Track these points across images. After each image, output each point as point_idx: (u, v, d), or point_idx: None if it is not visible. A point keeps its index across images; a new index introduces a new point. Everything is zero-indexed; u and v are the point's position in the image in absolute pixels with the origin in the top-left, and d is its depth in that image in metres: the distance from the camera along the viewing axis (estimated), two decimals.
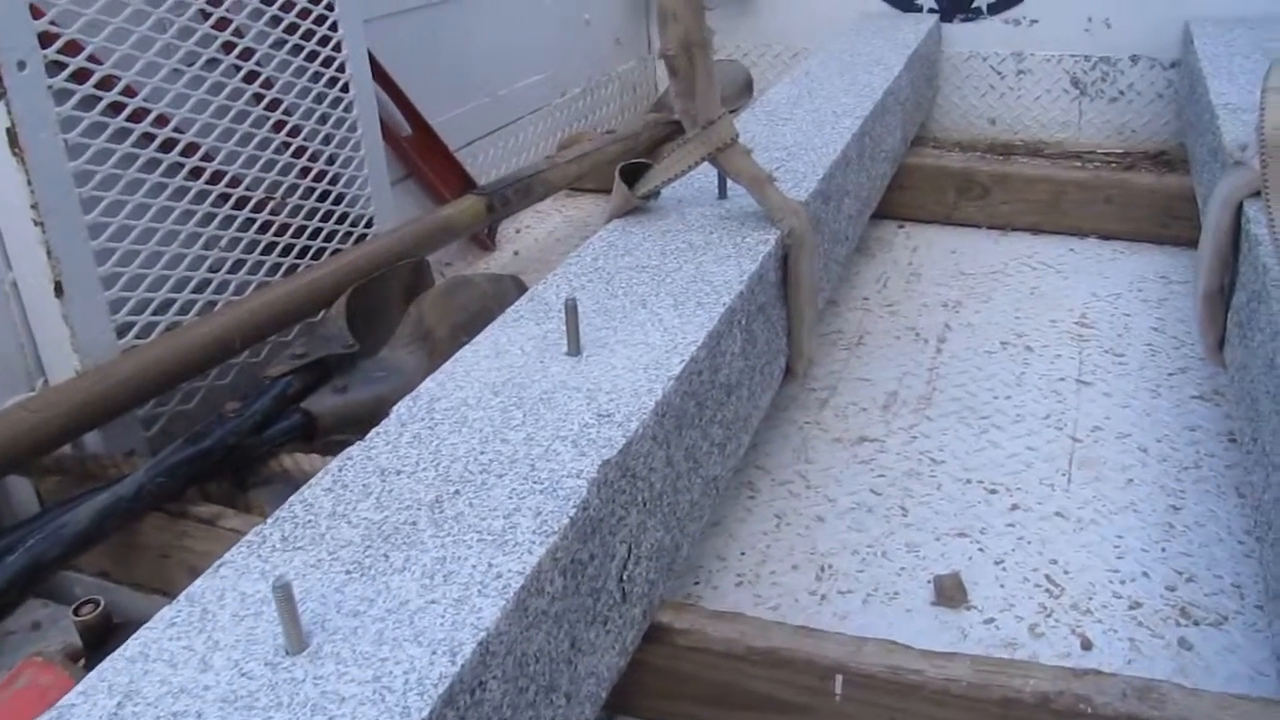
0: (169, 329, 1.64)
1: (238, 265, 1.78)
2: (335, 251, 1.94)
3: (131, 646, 0.80)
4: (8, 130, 1.39)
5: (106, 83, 1.52)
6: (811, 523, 1.53)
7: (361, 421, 1.57)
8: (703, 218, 1.60)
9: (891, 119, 2.34)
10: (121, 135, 1.55)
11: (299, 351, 1.67)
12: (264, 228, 1.82)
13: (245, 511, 1.48)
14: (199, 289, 1.70)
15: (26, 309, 1.52)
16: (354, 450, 1.06)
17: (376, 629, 0.80)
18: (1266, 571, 1.19)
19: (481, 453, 1.02)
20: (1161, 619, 1.32)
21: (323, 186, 1.94)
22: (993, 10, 3.02)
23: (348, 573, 0.87)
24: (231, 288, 1.76)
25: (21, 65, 1.38)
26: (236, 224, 1.77)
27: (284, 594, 0.77)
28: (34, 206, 1.43)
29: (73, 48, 1.46)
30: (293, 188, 1.88)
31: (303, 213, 1.89)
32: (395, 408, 1.13)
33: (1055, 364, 1.92)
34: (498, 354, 1.21)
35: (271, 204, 1.84)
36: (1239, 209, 1.59)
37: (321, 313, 1.76)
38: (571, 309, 1.18)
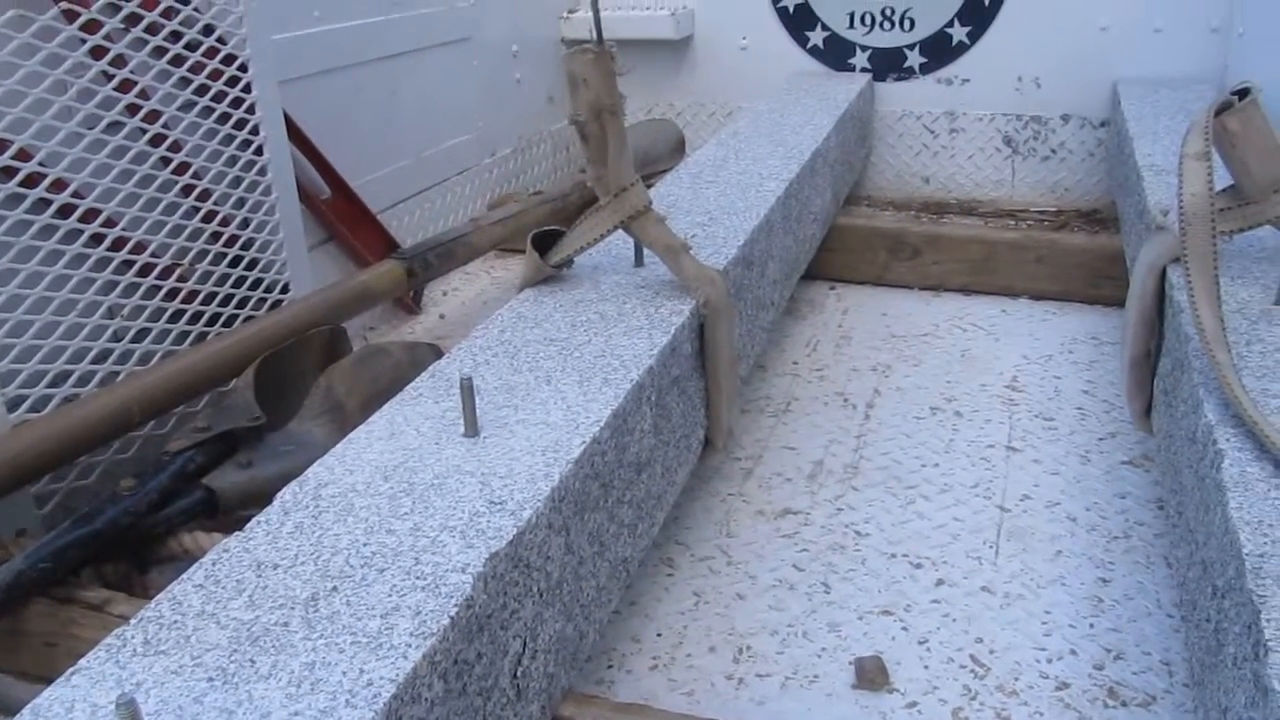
0: (67, 400, 1.57)
1: (142, 334, 1.71)
2: (248, 319, 1.87)
3: None
4: None
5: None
6: (731, 601, 1.48)
7: (266, 497, 1.51)
8: (617, 286, 1.55)
9: (820, 180, 2.32)
10: (14, 200, 1.49)
11: (202, 425, 1.60)
12: (171, 295, 1.76)
13: (144, 594, 1.40)
14: (99, 359, 1.64)
15: None
16: (231, 542, 1.00)
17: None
18: (1191, 653, 1.15)
19: (365, 544, 0.97)
20: (1089, 699, 1.28)
21: (234, 252, 1.88)
22: (925, 70, 3.02)
23: (210, 680, 0.81)
24: (136, 358, 1.69)
25: None
26: (141, 291, 1.71)
27: (129, 714, 0.71)
28: None
29: None
30: (202, 253, 1.83)
31: (213, 279, 1.83)
32: (280, 494, 1.07)
33: (985, 430, 1.89)
34: (392, 435, 1.16)
35: (179, 270, 1.78)
36: (1162, 274, 1.57)
37: (232, 382, 1.70)
38: (467, 389, 1.13)
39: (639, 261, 1.62)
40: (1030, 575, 1.50)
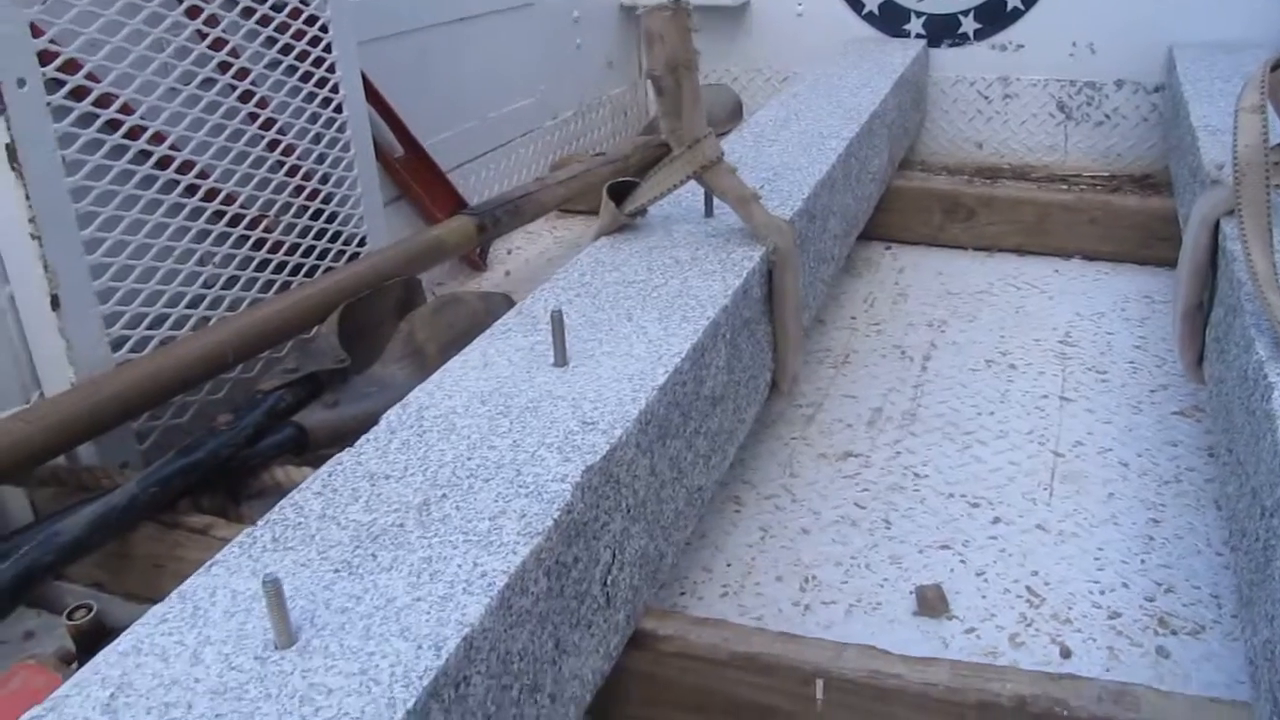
0: (163, 343, 1.66)
1: (231, 282, 1.80)
2: (327, 270, 1.96)
3: (124, 641, 0.82)
4: (7, 146, 1.42)
5: (104, 100, 1.55)
6: (796, 535, 1.55)
7: (353, 435, 1.59)
8: (689, 235, 1.62)
9: (878, 141, 2.38)
10: (118, 152, 1.58)
11: (291, 366, 1.69)
12: (258, 245, 1.84)
13: (238, 522, 1.49)
14: (193, 304, 1.73)
15: (23, 322, 1.54)
16: (344, 456, 1.08)
17: (364, 625, 0.82)
18: (1240, 579, 1.21)
19: (469, 459, 1.04)
20: (1140, 628, 1.34)
21: (316, 205, 1.97)
22: (979, 36, 3.06)
23: (336, 571, 0.89)
24: (225, 304, 1.78)
25: (21, 83, 1.41)
26: (230, 241, 1.80)
27: (273, 590, 0.79)
28: (32, 220, 1.45)
29: (71, 65, 1.49)
30: (286, 206, 1.91)
31: (296, 231, 1.92)
32: (385, 416, 1.15)
33: (1038, 381, 1.94)
34: (485, 365, 1.24)
35: (265, 222, 1.86)
36: (1216, 227, 1.61)
37: (314, 329, 1.79)
38: (557, 320, 1.21)
39: (709, 212, 1.69)
40: (1083, 515, 1.56)
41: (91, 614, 1.19)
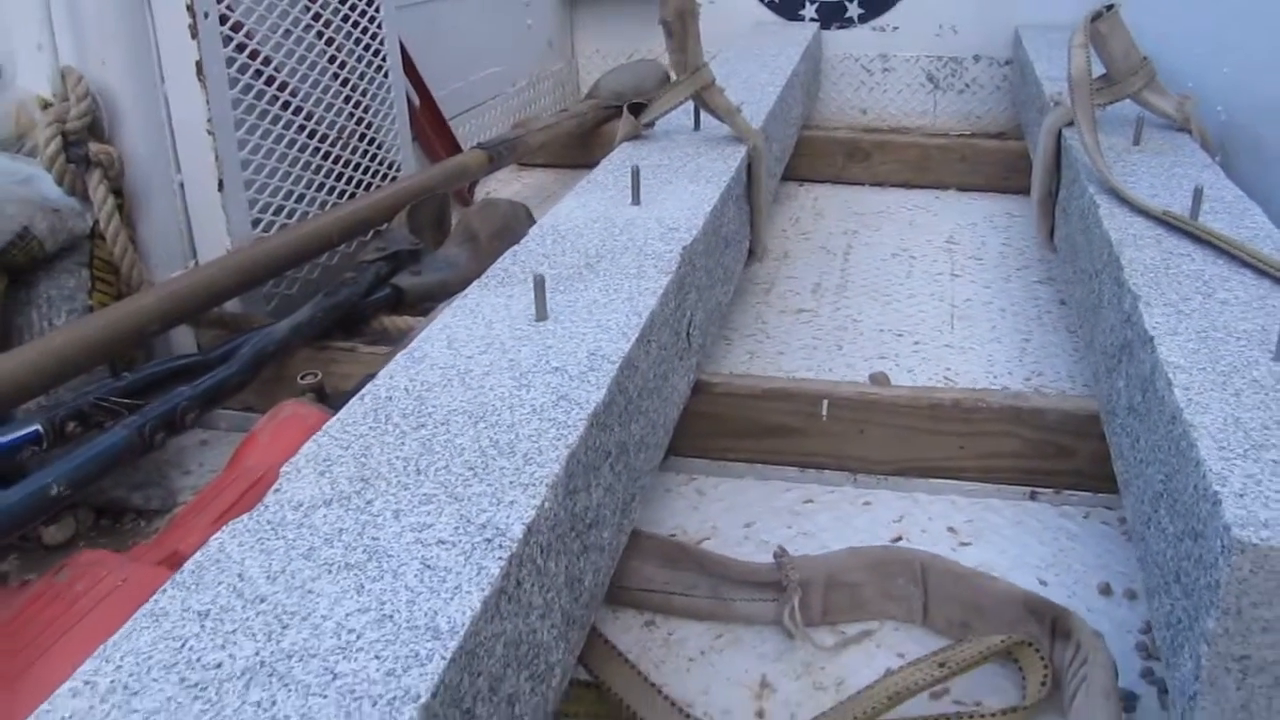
0: (283, 227, 2.14)
1: (319, 187, 2.29)
2: (374, 186, 2.46)
3: (436, 323, 1.34)
4: (196, 62, 1.90)
5: (244, 40, 2.04)
6: (775, 356, 2.12)
7: (433, 297, 2.13)
8: (687, 141, 2.19)
9: (795, 94, 2.98)
10: (255, 75, 2.07)
11: (380, 245, 2.20)
12: (335, 161, 2.34)
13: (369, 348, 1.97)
14: (298, 200, 2.21)
15: (189, 204, 2.01)
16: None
17: (584, 314, 1.35)
18: (1089, 354, 1.81)
19: (615, 239, 1.59)
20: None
21: (369, 136, 2.47)
22: (863, 20, 3.71)
23: (557, 284, 1.41)
24: (317, 204, 2.27)
25: (206, 15, 1.90)
26: (319, 156, 2.29)
27: (540, 282, 1.32)
28: (209, 120, 1.93)
29: (228, 7, 1.98)
30: (352, 133, 2.41)
31: (358, 154, 2.41)
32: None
33: (933, 265, 2.56)
34: (582, 205, 1.78)
35: (340, 146, 2.36)
36: (1059, 135, 2.25)
37: (386, 224, 2.29)
38: (635, 173, 1.76)
39: (697, 126, 2.26)
40: (976, 338, 2.17)
41: (318, 377, 1.68)
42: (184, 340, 2.00)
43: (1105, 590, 1.44)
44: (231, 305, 2.02)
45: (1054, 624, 1.26)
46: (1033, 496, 1.64)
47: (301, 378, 1.69)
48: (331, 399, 1.69)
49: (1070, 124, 2.18)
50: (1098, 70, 2.17)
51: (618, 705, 1.19)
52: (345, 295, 1.97)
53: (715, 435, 1.74)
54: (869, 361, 2.08)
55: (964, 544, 1.54)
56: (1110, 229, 1.66)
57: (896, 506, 1.63)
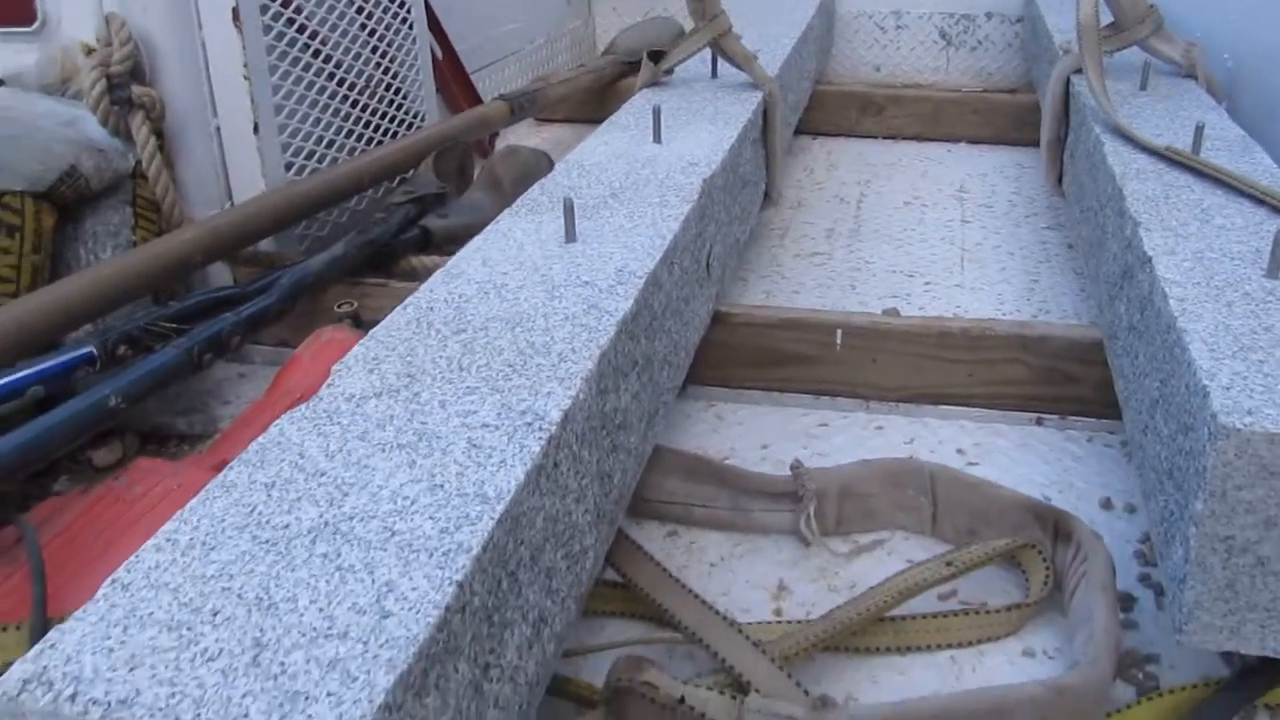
0: (313, 171, 2.22)
1: (349, 134, 2.36)
2: (399, 135, 2.53)
3: (470, 248, 1.41)
4: (233, 9, 1.97)
5: None
6: (790, 295, 2.19)
7: (458, 239, 2.19)
8: (705, 87, 2.25)
9: (810, 48, 3.04)
10: (288, 24, 2.13)
11: (408, 189, 2.27)
12: (363, 110, 2.41)
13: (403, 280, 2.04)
14: (328, 146, 2.29)
15: (225, 147, 2.08)
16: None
17: (611, 237, 1.43)
18: (1093, 283, 1.87)
19: (638, 173, 1.66)
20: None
21: (395, 84, 2.53)
22: None
23: (583, 213, 1.48)
24: (346, 150, 2.34)
25: None
26: (348, 104, 2.36)
27: (569, 206, 1.40)
28: (245, 65, 2.00)
29: None
30: (378, 83, 2.47)
31: (384, 103, 2.48)
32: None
33: (944, 212, 2.62)
34: (605, 144, 1.85)
35: (367, 93, 2.43)
36: (1067, 82, 2.30)
37: (412, 170, 2.36)
38: (656, 112, 1.83)
39: (714, 74, 2.32)
40: (986, 279, 2.24)
41: (354, 305, 1.76)
42: (221, 278, 2.07)
43: (1106, 505, 1.51)
44: (266, 244, 2.09)
45: (1056, 527, 1.33)
46: (1039, 422, 1.71)
47: (339, 306, 1.77)
48: (367, 328, 1.76)
49: (1079, 71, 2.23)
50: (1106, 19, 2.23)
51: (645, 601, 1.26)
52: (377, 233, 2.04)
53: (734, 364, 1.81)
54: (881, 300, 2.14)
55: (971, 464, 1.61)
56: (1114, 165, 1.72)
57: (907, 430, 1.70)
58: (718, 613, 1.20)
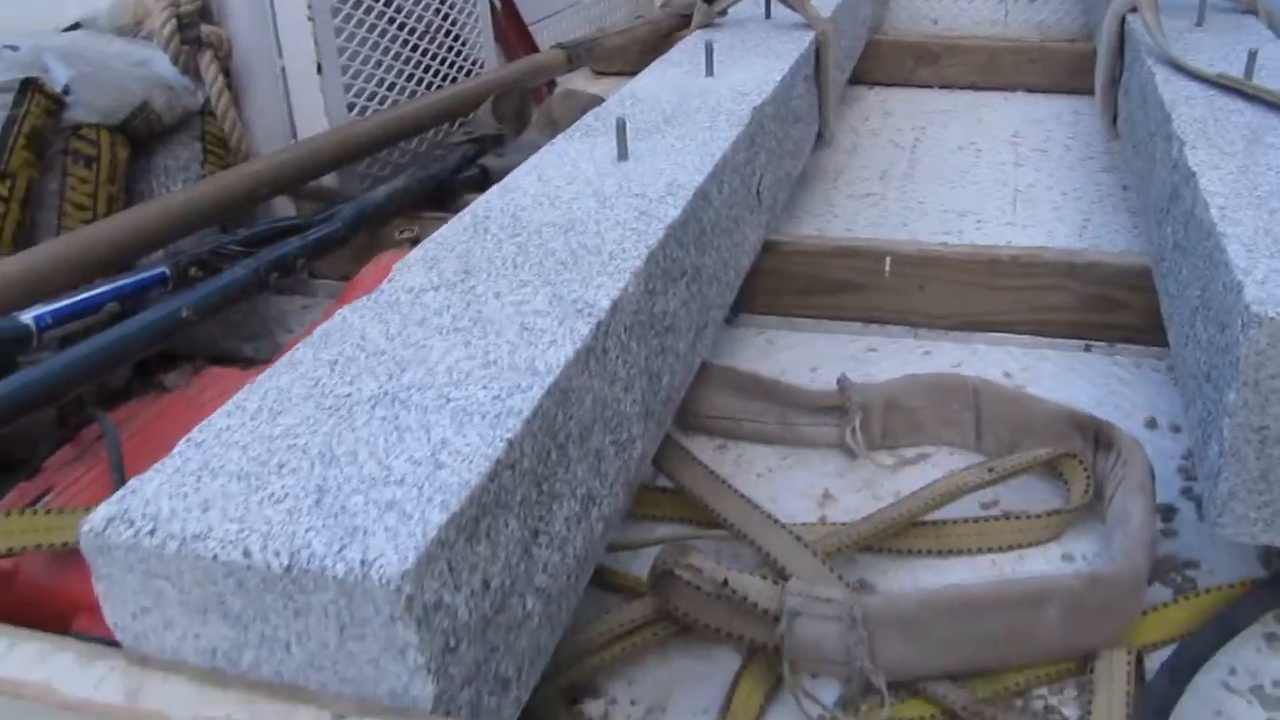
0: (375, 112, 2.27)
1: (409, 78, 2.42)
2: (457, 80, 2.58)
3: (525, 169, 1.45)
4: None
5: None
6: (842, 231, 2.21)
7: None
8: (758, 28, 2.28)
9: None
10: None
11: (468, 130, 2.32)
12: (423, 54, 2.46)
13: None
14: (389, 89, 2.34)
15: (289, 86, 2.14)
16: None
17: (663, 155, 1.46)
18: (1144, 215, 1.88)
19: (689, 102, 1.69)
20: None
21: (455, 30, 2.58)
22: None
23: (635, 136, 1.52)
24: (407, 93, 2.40)
25: None
26: (409, 47, 2.41)
27: (621, 125, 1.44)
28: (309, 6, 2.06)
29: None
30: (438, 28, 2.52)
31: (444, 48, 2.54)
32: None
33: (998, 156, 2.63)
34: (657, 78, 1.88)
35: (427, 37, 2.48)
36: (1122, 21, 2.30)
37: (471, 114, 2.41)
38: (709, 48, 1.86)
39: (768, 15, 2.35)
40: (1039, 218, 2.24)
41: (415, 232, 1.82)
42: (286, 212, 2.14)
43: (1151, 424, 1.53)
44: (329, 181, 2.15)
45: (1097, 436, 1.36)
46: (1087, 349, 1.73)
47: (400, 232, 1.83)
48: None
49: (1134, 10, 2.23)
50: None
51: (692, 502, 1.31)
52: (437, 169, 2.10)
53: (784, 292, 1.84)
54: (933, 236, 2.16)
55: (1018, 387, 1.63)
56: (1164, 93, 1.73)
57: (955, 354, 1.73)
58: (762, 511, 1.24)
